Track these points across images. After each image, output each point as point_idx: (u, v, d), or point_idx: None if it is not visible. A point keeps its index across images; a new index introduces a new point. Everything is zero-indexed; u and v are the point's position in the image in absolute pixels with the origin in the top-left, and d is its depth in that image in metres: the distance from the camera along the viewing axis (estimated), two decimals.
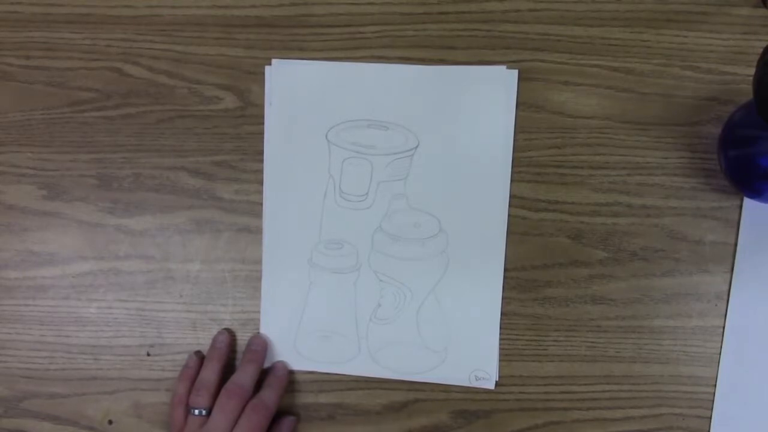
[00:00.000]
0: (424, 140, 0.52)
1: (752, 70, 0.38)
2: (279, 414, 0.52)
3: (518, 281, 0.52)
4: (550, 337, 0.52)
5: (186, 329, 0.54)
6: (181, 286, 0.54)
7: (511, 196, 0.51)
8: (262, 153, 0.53)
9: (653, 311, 0.51)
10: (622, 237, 0.51)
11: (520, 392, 0.52)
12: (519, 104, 0.51)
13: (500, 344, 0.52)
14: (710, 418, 0.51)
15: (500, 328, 0.52)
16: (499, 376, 0.52)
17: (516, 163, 0.51)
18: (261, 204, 0.54)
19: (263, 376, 0.53)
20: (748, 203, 0.50)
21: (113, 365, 0.55)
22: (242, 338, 0.54)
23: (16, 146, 0.55)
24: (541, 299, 0.52)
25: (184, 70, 0.54)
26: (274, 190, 0.53)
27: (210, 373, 0.51)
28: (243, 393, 0.49)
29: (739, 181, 0.47)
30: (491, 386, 0.52)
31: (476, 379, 0.52)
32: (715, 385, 0.51)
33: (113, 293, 0.55)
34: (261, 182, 0.53)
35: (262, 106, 0.53)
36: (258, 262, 0.54)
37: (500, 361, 0.52)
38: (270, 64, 0.53)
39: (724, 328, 0.51)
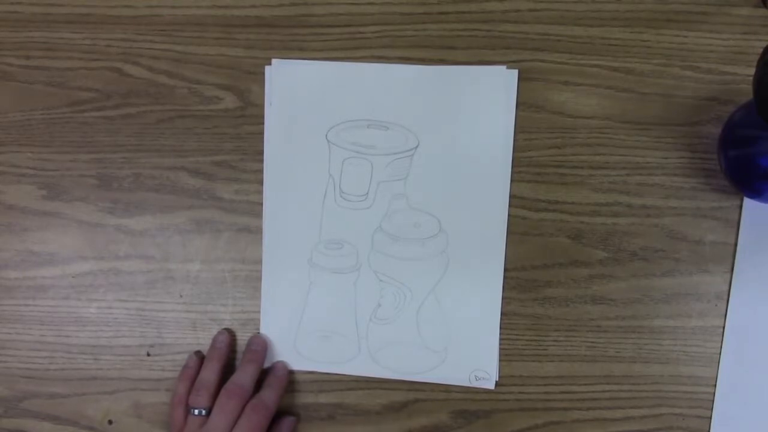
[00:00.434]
0: (424, 140, 0.52)
1: (752, 70, 0.38)
2: (279, 414, 0.52)
3: (518, 281, 0.52)
4: (550, 337, 0.52)
5: (186, 329, 0.54)
6: (181, 286, 0.54)
7: (511, 196, 0.51)
8: (262, 153, 0.53)
9: (653, 311, 0.51)
10: (622, 237, 0.51)
11: (520, 392, 0.52)
12: (519, 104, 0.51)
13: (500, 344, 0.52)
14: (710, 418, 0.51)
15: (500, 328, 0.52)
16: (499, 376, 0.52)
17: (516, 163, 0.51)
18: (261, 204, 0.54)
19: (263, 376, 0.53)
20: (748, 203, 0.50)
21: (113, 365, 0.55)
22: (242, 338, 0.54)
23: (16, 146, 0.55)
24: (541, 299, 0.52)
25: (184, 70, 0.54)
26: (274, 190, 0.53)
27: (210, 373, 0.51)
28: (243, 393, 0.49)
29: (739, 181, 0.47)
30: (491, 386, 0.52)
31: (476, 379, 0.52)
32: (715, 385, 0.51)
33: (113, 293, 0.55)
34: (261, 182, 0.53)
35: (262, 106, 0.53)
36: (258, 262, 0.54)
37: (500, 361, 0.52)
38: (270, 64, 0.53)
39: (724, 328, 0.51)
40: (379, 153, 0.52)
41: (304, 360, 0.53)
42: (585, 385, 0.52)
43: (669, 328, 0.51)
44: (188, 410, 0.50)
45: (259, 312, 0.54)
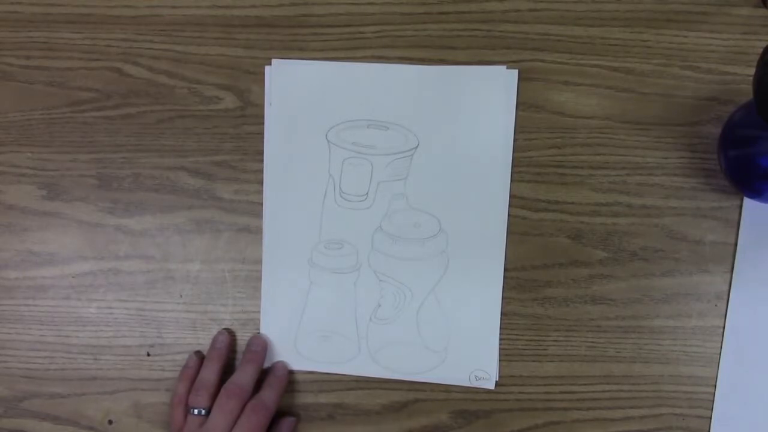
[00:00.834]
0: (424, 140, 0.52)
1: (752, 70, 0.38)
2: (279, 414, 0.52)
3: (518, 281, 0.52)
4: (550, 337, 0.52)
5: (186, 329, 0.54)
6: (181, 286, 0.54)
7: (511, 196, 0.51)
8: (262, 153, 0.53)
9: (653, 311, 0.51)
10: (622, 237, 0.51)
11: (520, 392, 0.52)
12: (519, 104, 0.51)
13: (500, 344, 0.52)
14: (710, 418, 0.51)
15: (500, 328, 0.52)
16: (499, 376, 0.52)
17: (516, 163, 0.51)
18: (261, 204, 0.54)
19: (263, 376, 0.53)
20: (748, 203, 0.50)
21: (113, 365, 0.55)
22: (242, 338, 0.54)
23: (16, 146, 0.55)
24: (541, 299, 0.52)
25: (184, 70, 0.54)
26: (274, 190, 0.53)
27: (210, 373, 0.51)
28: (242, 393, 0.50)
29: (739, 181, 0.47)
30: (491, 386, 0.52)
31: (476, 379, 0.52)
32: (715, 385, 0.51)
33: (113, 293, 0.55)
34: (261, 182, 0.53)
35: (262, 106, 0.53)
36: (258, 262, 0.54)
37: (500, 361, 0.52)
38: (270, 64, 0.53)
39: (724, 328, 0.51)
40: (379, 153, 0.52)
41: (304, 360, 0.53)
42: (585, 385, 0.52)
43: (669, 328, 0.51)
44: (188, 410, 0.50)
45: (259, 312, 0.54)
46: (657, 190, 0.51)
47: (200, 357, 0.54)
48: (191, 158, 0.54)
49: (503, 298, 0.52)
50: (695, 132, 0.50)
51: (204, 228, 0.54)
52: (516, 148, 0.51)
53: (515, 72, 0.51)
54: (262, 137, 0.53)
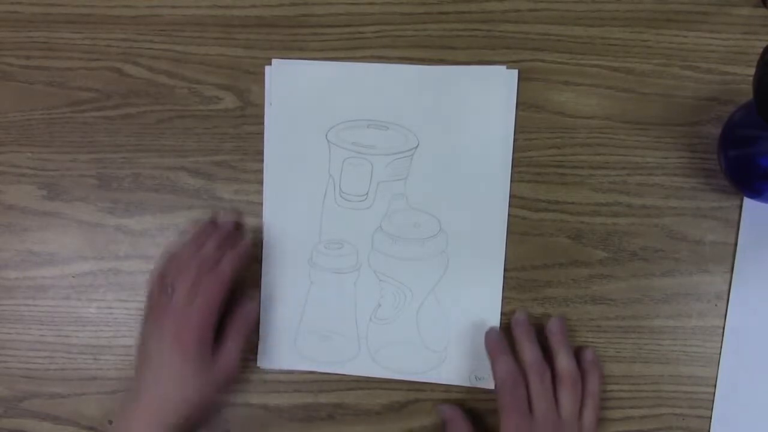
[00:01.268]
0: (424, 140, 0.52)
1: (752, 70, 0.37)
2: (279, 413, 0.52)
3: (518, 281, 0.52)
4: None
5: None
6: None
7: (511, 196, 0.51)
8: (262, 153, 0.53)
9: (653, 311, 0.51)
10: (622, 237, 0.51)
11: None
12: (519, 104, 0.51)
13: None
14: (710, 418, 0.51)
15: (500, 328, 0.52)
16: None
17: (516, 163, 0.51)
18: (261, 204, 0.54)
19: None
20: (748, 203, 0.50)
21: (113, 365, 0.55)
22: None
23: (16, 146, 0.55)
24: (541, 299, 0.52)
25: (184, 70, 0.54)
26: (274, 190, 0.53)
27: (187, 252, 0.50)
28: (207, 262, 0.49)
29: (739, 181, 0.47)
30: (491, 386, 0.52)
31: (476, 380, 0.52)
32: (715, 385, 0.51)
33: (113, 293, 0.55)
34: (261, 182, 0.53)
35: (262, 106, 0.53)
36: (258, 262, 0.54)
37: None
38: (270, 64, 0.53)
39: (724, 328, 0.51)
40: (379, 153, 0.52)
41: (304, 360, 0.53)
42: None
43: (669, 328, 0.51)
44: (163, 288, 0.49)
45: (258, 312, 0.54)
46: (657, 190, 0.51)
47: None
48: (191, 158, 0.54)
49: (503, 298, 0.52)
50: (695, 132, 0.50)
51: None
52: (516, 148, 0.51)
53: (515, 72, 0.51)
54: (262, 137, 0.53)
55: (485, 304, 0.52)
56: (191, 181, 0.54)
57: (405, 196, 0.52)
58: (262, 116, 0.53)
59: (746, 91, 0.50)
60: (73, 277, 0.55)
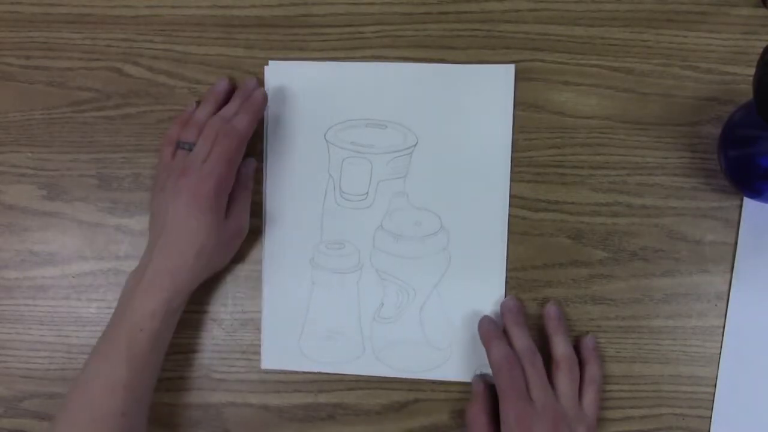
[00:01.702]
0: (423, 138, 0.52)
1: (752, 70, 0.38)
2: (278, 411, 0.52)
3: (518, 281, 0.52)
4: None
5: (185, 329, 0.54)
6: None
7: (511, 196, 0.51)
8: (262, 153, 0.53)
9: (653, 311, 0.51)
10: (622, 237, 0.51)
11: None
12: (519, 104, 0.51)
13: None
14: (710, 418, 0.51)
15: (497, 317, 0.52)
16: None
17: (516, 163, 0.51)
18: (261, 204, 0.53)
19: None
20: (748, 203, 0.50)
21: None
22: (241, 338, 0.54)
23: (16, 146, 0.55)
24: (541, 299, 0.52)
25: (184, 70, 0.54)
26: (274, 190, 0.53)
27: (202, 113, 0.51)
28: (223, 123, 0.49)
29: (739, 181, 0.47)
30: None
31: (481, 375, 0.52)
32: (715, 385, 0.51)
33: (113, 293, 0.55)
34: (261, 182, 0.53)
35: None
36: (258, 262, 0.54)
37: None
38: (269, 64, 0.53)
39: (724, 328, 0.51)
40: (378, 152, 0.52)
41: (308, 361, 0.53)
42: None
43: (669, 328, 0.51)
44: (178, 147, 0.50)
45: (259, 312, 0.54)
46: (657, 190, 0.51)
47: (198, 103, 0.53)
48: None
49: (505, 294, 0.52)
50: (695, 132, 0.51)
51: None
52: (516, 148, 0.51)
53: (512, 67, 0.51)
54: (262, 137, 0.53)
55: (488, 299, 0.52)
56: None
57: (405, 195, 0.52)
58: (262, 116, 0.53)
59: (746, 91, 0.50)
60: (73, 277, 0.55)
